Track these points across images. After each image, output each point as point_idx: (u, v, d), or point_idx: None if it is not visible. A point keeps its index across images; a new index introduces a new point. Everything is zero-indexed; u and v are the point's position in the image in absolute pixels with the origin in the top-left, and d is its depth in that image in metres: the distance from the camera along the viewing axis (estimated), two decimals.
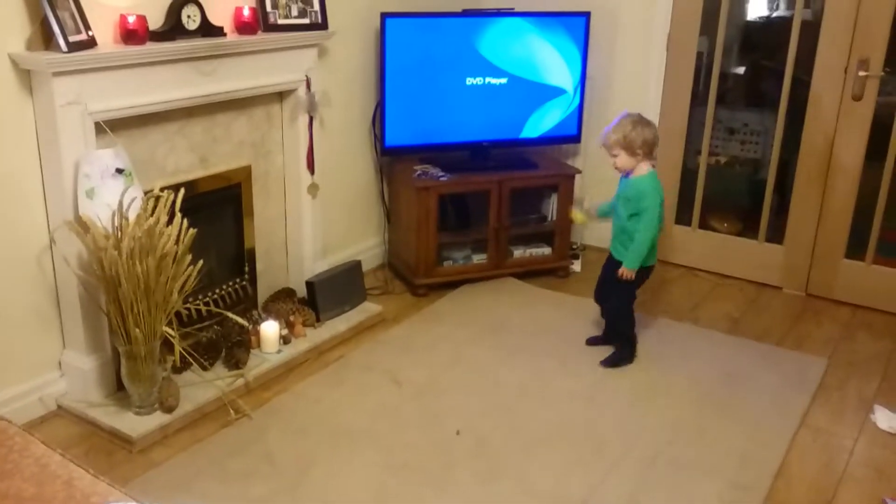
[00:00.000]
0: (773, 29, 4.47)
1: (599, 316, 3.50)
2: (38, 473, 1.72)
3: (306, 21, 3.35)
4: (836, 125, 3.80)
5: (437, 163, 4.02)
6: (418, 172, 3.93)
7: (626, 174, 3.21)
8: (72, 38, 2.53)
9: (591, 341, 3.49)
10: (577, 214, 3.58)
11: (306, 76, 3.41)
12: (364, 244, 4.19)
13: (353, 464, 2.65)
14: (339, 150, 3.88)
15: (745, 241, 4.25)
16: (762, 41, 4.61)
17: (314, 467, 2.62)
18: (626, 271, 3.18)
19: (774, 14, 4.51)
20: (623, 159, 3.14)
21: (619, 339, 3.38)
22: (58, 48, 2.50)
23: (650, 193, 3.12)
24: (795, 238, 4.05)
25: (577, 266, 4.30)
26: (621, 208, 3.22)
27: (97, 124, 2.68)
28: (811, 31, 3.82)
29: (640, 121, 3.13)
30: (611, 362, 3.32)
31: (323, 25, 3.41)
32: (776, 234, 4.13)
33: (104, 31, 2.71)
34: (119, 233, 2.62)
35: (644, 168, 3.16)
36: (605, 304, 3.43)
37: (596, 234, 4.56)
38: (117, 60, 2.68)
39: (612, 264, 3.31)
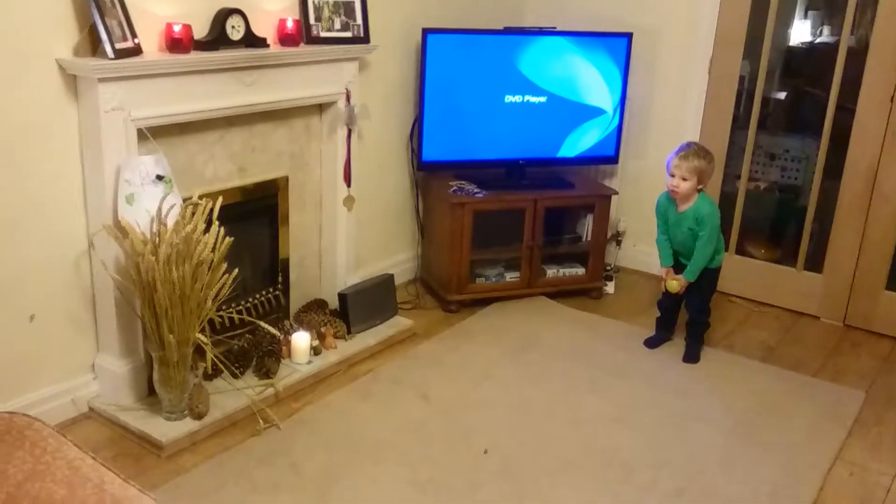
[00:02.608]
0: (816, 55, 4.42)
1: (657, 323, 3.72)
2: (70, 476, 1.73)
3: (348, 34, 3.37)
4: (881, 154, 3.74)
5: (472, 179, 4.02)
6: (454, 188, 3.93)
7: (673, 199, 3.41)
8: (118, 46, 2.56)
9: (651, 342, 3.67)
10: (673, 284, 3.48)
11: (346, 89, 3.43)
12: (397, 258, 4.20)
13: (378, 478, 2.63)
14: (375, 164, 3.89)
15: (782, 268, 4.19)
16: (805, 67, 4.56)
17: (340, 480, 2.61)
18: (685, 282, 3.44)
19: (818, 40, 4.46)
20: (689, 185, 3.33)
21: (700, 332, 3.60)
22: (104, 55, 2.54)
23: (711, 215, 3.37)
24: (835, 267, 3.98)
25: (610, 288, 4.26)
26: (687, 236, 3.42)
27: (139, 131, 2.71)
28: (856, 58, 3.77)
29: (712, 157, 3.38)
30: (695, 356, 3.55)
31: (365, 39, 3.43)
32: (815, 263, 4.06)
33: (150, 39, 2.75)
34: (157, 239, 2.65)
35: (694, 196, 3.38)
36: (675, 307, 3.65)
37: (630, 256, 4.53)
38: (162, 68, 2.71)
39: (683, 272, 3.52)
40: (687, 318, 3.61)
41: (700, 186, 3.35)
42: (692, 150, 3.34)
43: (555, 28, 4.04)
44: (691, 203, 3.38)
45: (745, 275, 4.24)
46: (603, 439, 2.93)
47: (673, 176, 3.35)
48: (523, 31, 4.06)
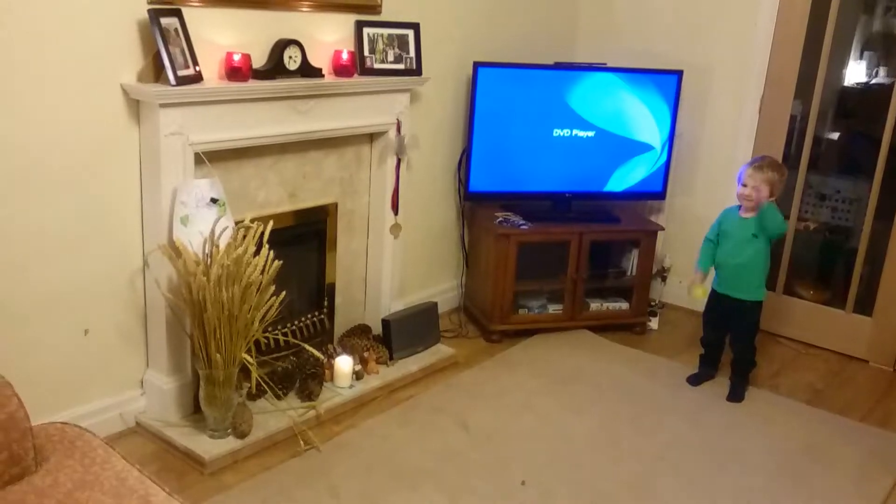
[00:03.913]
0: (870, 96, 4.38)
1: (701, 360, 3.69)
2: (117, 487, 1.78)
3: (401, 66, 3.45)
4: None
5: (518, 211, 4.05)
6: (499, 219, 3.96)
7: (739, 207, 3.44)
8: (180, 73, 2.66)
9: (694, 380, 3.63)
10: (699, 290, 3.54)
11: (397, 119, 3.50)
12: (441, 286, 4.23)
13: None
14: (423, 193, 3.95)
15: (831, 310, 4.12)
16: (859, 108, 4.51)
17: None
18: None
19: (874, 81, 4.42)
20: (762, 195, 3.33)
21: (746, 371, 3.56)
22: (167, 81, 2.64)
23: (770, 206, 3.35)
24: (885, 311, 3.91)
25: (654, 323, 4.24)
26: (744, 247, 3.40)
27: (196, 155, 2.80)
28: None
29: (783, 168, 3.43)
30: (739, 395, 3.50)
31: (417, 71, 3.50)
32: (865, 306, 4.00)
33: (210, 67, 2.85)
34: (209, 260, 2.72)
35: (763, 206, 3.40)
36: (718, 343, 3.63)
37: (675, 292, 4.50)
38: (221, 95, 2.81)
39: (729, 306, 3.48)
40: (732, 356, 3.57)
41: (771, 199, 3.35)
42: (766, 162, 3.37)
43: (605, 64, 4.08)
44: (754, 212, 3.38)
45: (793, 315, 4.18)
46: (643, 476, 2.90)
47: (745, 186, 3.36)
48: (573, 67, 4.10)
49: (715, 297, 3.55)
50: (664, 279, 4.47)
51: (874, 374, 3.90)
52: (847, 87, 4.48)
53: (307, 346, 3.04)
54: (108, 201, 2.73)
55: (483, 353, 3.82)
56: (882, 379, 3.84)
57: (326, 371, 3.28)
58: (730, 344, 3.60)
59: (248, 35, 2.95)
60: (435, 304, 3.82)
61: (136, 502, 1.74)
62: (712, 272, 3.57)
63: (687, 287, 3.64)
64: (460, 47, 3.91)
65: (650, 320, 4.22)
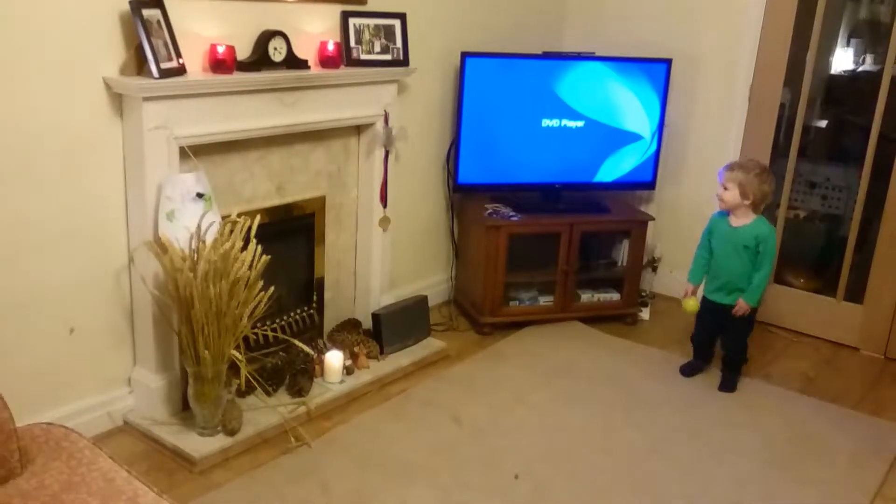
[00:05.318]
0: (859, 83, 4.38)
1: (693, 353, 3.67)
2: (104, 488, 1.75)
3: (388, 57, 3.41)
4: None
5: (508, 202, 4.02)
6: (489, 211, 3.93)
7: (727, 214, 3.41)
8: (163, 65, 2.61)
9: (686, 370, 3.61)
10: (691, 303, 3.52)
11: (385, 111, 3.46)
12: (431, 279, 4.20)
13: (408, 500, 2.62)
14: (411, 185, 3.91)
15: (822, 298, 4.12)
16: (847, 95, 4.51)
17: (370, 501, 2.60)
18: (746, 306, 3.36)
19: (861, 68, 4.41)
20: (731, 196, 3.33)
21: (738, 365, 3.53)
22: (150, 74, 2.59)
23: (771, 235, 3.36)
24: (876, 298, 3.90)
25: (645, 314, 4.22)
26: (736, 256, 3.37)
27: (181, 149, 2.75)
28: None
29: (763, 173, 3.35)
30: (731, 385, 3.49)
31: (404, 62, 3.46)
32: (856, 294, 3.99)
33: (194, 59, 2.80)
34: (195, 255, 2.68)
35: (751, 216, 3.36)
36: (710, 342, 3.62)
37: (665, 282, 4.49)
38: (205, 88, 2.76)
39: (722, 311, 3.45)
40: (723, 354, 3.55)
41: (746, 202, 3.32)
42: (737, 163, 3.40)
43: (593, 53, 4.05)
44: (748, 221, 3.35)
45: (784, 304, 4.17)
46: (636, 468, 2.89)
47: (721, 186, 3.38)
48: (562, 56, 4.07)
49: (709, 304, 3.51)
50: (655, 269, 4.46)
51: (866, 361, 3.89)
52: (835, 75, 4.48)
53: (297, 342, 3.01)
54: (92, 197, 2.69)
55: (474, 346, 3.80)
56: (873, 366, 3.84)
57: (316, 366, 3.25)
58: (721, 346, 3.58)
59: (233, 26, 2.91)
60: (425, 298, 3.80)
61: (123, 503, 1.71)
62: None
63: (680, 300, 3.60)
64: (448, 37, 3.87)
65: (641, 311, 4.21)
